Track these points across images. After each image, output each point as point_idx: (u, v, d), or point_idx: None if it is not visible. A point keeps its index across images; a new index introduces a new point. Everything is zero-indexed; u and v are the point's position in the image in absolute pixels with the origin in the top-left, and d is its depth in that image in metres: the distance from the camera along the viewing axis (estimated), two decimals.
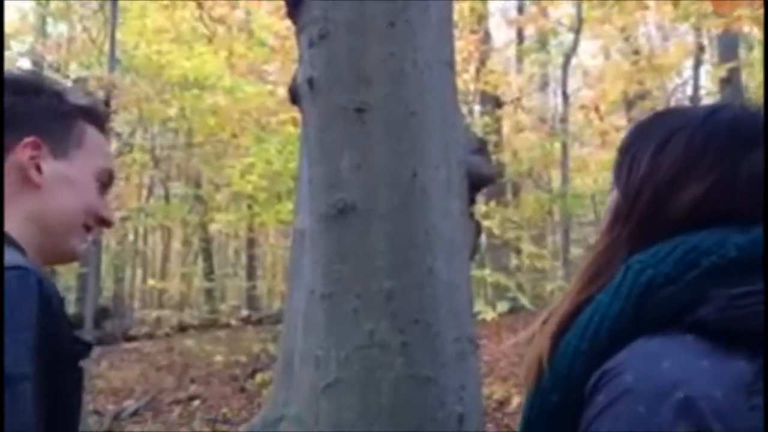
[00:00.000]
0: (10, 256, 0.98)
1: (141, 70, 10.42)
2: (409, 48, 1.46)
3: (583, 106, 11.16)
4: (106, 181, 1.18)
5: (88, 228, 1.15)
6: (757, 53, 9.81)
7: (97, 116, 1.22)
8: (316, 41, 1.49)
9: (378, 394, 1.39)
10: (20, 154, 1.10)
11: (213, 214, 13.82)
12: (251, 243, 16.05)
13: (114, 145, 10.78)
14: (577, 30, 10.58)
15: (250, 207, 13.23)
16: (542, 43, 12.02)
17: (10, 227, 1.06)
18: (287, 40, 10.09)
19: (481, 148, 1.59)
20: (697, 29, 10.14)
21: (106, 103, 8.52)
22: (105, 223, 1.17)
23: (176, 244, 18.23)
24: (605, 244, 0.97)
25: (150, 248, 17.60)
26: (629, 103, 11.84)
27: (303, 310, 6.73)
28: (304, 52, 1.53)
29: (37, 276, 0.96)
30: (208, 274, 15.39)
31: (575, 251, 12.34)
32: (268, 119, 10.89)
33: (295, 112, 9.73)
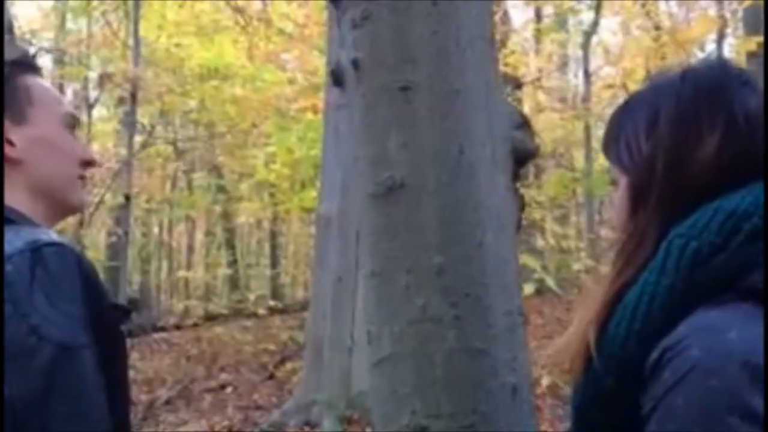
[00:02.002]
0: (39, 233, 0.99)
1: (161, 63, 10.50)
2: (452, 25, 1.48)
3: (610, 86, 11.04)
4: (72, 124, 1.15)
5: (81, 177, 1.15)
6: None
7: (31, 64, 1.16)
8: (360, 22, 1.51)
9: (432, 366, 1.41)
10: None
11: (237, 205, 13.91)
12: (274, 232, 16.14)
13: (138, 139, 10.88)
14: (596, 7, 10.47)
15: (272, 195, 13.30)
16: (561, 22, 11.91)
17: (19, 207, 1.05)
18: (306, 29, 10.12)
19: (523, 122, 1.61)
20: (720, 1, 10.00)
21: (133, 97, 8.61)
22: (91, 164, 1.15)
23: (199, 236, 18.38)
24: (631, 229, 0.96)
25: (175, 240, 17.77)
26: (649, 80, 11.70)
27: (331, 295, 6.80)
28: (347, 34, 1.55)
29: (73, 249, 0.98)
30: (232, 263, 15.53)
31: (600, 231, 12.26)
32: (288, 106, 10.93)
33: (315, 99, 9.77)
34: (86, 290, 0.96)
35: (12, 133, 1.08)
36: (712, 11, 11.01)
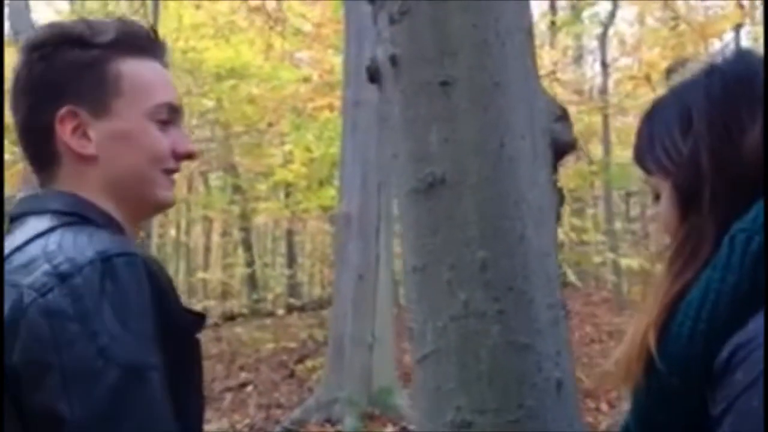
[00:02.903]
0: (111, 241, 0.94)
1: (179, 64, 10.57)
2: (491, 17, 1.47)
3: (633, 77, 10.94)
4: (166, 116, 1.05)
5: (169, 171, 1.07)
6: None
7: (132, 43, 1.04)
8: (398, 18, 1.50)
9: (477, 361, 1.41)
10: (60, 132, 1.01)
11: (254, 204, 13.95)
12: (290, 231, 16.18)
13: None
14: None
15: (287, 195, 13.30)
16: (577, 14, 11.85)
17: (100, 205, 1.01)
18: (322, 27, 10.13)
19: (562, 115, 1.59)
20: None
21: None
22: (187, 157, 1.08)
23: (216, 236, 18.46)
24: (686, 231, 0.94)
25: (193, 240, 17.86)
26: (668, 71, 11.61)
27: (352, 293, 6.80)
28: (384, 29, 1.54)
29: (143, 258, 0.92)
30: (250, 264, 15.58)
31: (618, 224, 12.19)
32: (304, 105, 10.96)
33: (331, 98, 9.77)
34: (157, 301, 0.91)
35: (90, 127, 1.01)
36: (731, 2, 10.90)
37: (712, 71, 0.97)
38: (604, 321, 9.78)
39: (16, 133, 1.04)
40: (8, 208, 1.04)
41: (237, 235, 16.27)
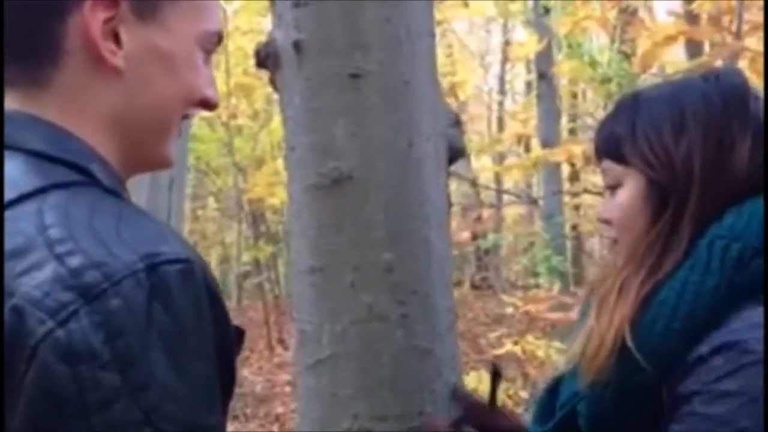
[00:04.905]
0: (150, 230, 0.64)
1: None
2: (403, 15, 1.43)
3: None
4: (212, 49, 0.81)
5: (186, 117, 0.81)
6: None
7: None
8: (303, 2, 1.41)
9: (378, 366, 1.36)
10: (88, 17, 0.69)
11: None
12: None
13: None
14: None
15: None
16: None
17: (86, 139, 0.70)
18: None
19: (457, 120, 1.60)
20: None
21: None
22: (207, 105, 0.80)
23: None
24: (660, 230, 0.98)
25: None
26: None
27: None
28: (285, 12, 1.44)
29: (202, 265, 0.64)
30: None
31: None
32: None
33: None
34: (215, 323, 0.65)
35: (128, 29, 0.71)
36: None
37: (708, 78, 1.01)
38: None
39: None
40: None
41: None
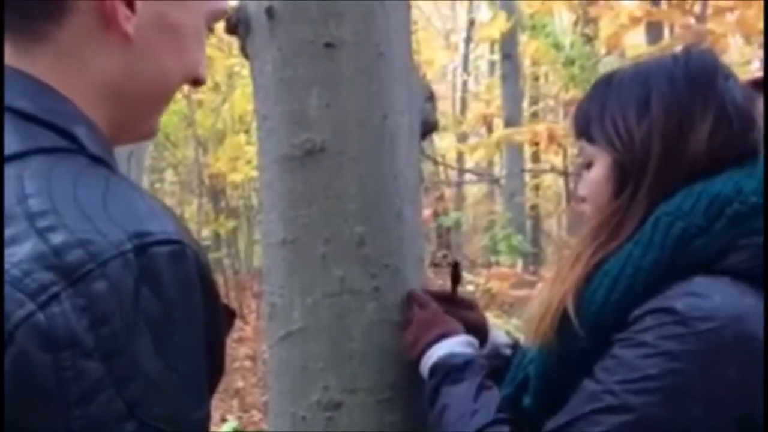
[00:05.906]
0: (140, 205, 0.59)
1: None
2: None
3: None
4: (212, 27, 0.81)
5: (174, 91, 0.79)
6: None
7: None
8: None
9: (349, 340, 1.36)
10: None
11: None
12: None
13: None
14: None
15: None
16: None
17: (75, 101, 0.66)
18: None
19: (430, 96, 1.59)
20: None
21: None
22: (197, 83, 0.78)
23: None
24: (617, 205, 1.01)
25: None
26: None
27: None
28: None
29: (195, 248, 0.60)
30: None
31: None
32: None
33: None
34: (206, 310, 0.61)
35: None
36: None
37: (678, 58, 1.02)
38: None
39: None
40: None
41: None
